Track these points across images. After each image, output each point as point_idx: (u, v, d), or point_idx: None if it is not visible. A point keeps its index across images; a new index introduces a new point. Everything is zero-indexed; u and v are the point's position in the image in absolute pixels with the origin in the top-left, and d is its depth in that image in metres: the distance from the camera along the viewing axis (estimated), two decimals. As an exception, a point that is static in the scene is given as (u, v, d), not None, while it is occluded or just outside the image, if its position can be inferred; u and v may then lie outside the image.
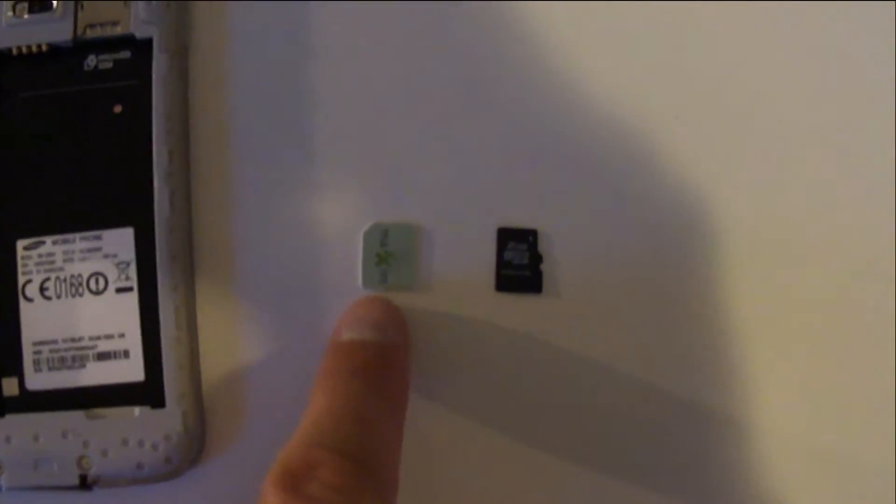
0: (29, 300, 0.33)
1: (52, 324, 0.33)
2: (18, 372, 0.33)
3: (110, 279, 0.33)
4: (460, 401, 0.34)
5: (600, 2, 0.35)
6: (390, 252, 0.34)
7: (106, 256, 0.33)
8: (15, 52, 0.33)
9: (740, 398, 0.34)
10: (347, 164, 0.34)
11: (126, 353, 0.33)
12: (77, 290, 0.33)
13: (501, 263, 0.34)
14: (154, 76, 0.33)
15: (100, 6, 0.34)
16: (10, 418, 0.32)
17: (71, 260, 0.33)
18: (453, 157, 0.34)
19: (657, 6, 0.35)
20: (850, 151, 0.35)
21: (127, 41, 0.34)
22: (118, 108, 0.34)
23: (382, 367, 0.31)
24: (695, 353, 0.34)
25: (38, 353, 0.33)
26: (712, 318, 0.34)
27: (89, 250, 0.33)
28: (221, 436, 0.33)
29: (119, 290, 0.33)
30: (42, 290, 0.33)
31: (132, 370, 0.33)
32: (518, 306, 0.34)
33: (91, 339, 0.33)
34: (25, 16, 0.34)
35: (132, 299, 0.33)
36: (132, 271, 0.33)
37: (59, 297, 0.33)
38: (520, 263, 0.34)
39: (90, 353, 0.33)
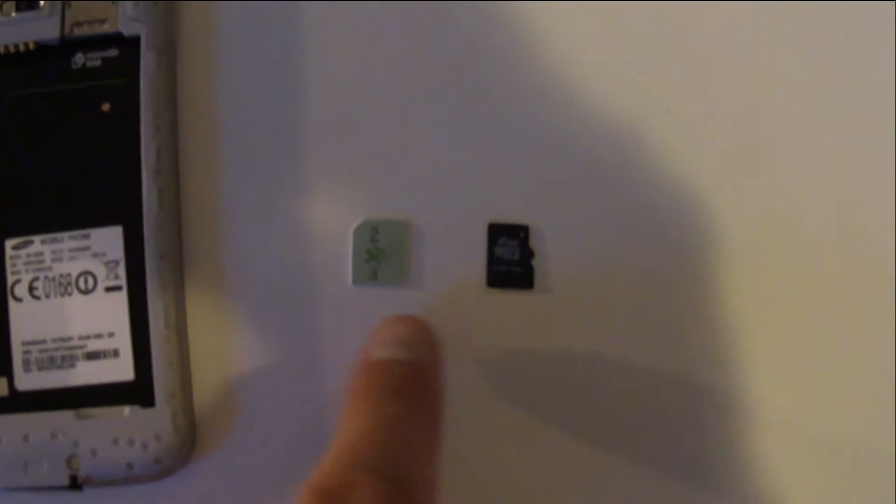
0: (18, 300, 0.33)
1: (42, 323, 0.33)
2: (8, 372, 0.33)
3: (99, 278, 0.33)
4: (452, 396, 0.33)
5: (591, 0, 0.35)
6: (380, 248, 0.34)
7: (95, 255, 0.33)
8: (2, 51, 0.33)
9: (734, 392, 0.34)
10: (337, 160, 0.34)
11: (115, 353, 0.32)
12: (66, 289, 0.33)
13: (492, 259, 0.34)
14: (142, 74, 0.33)
15: (87, 4, 0.33)
16: (0, 419, 0.32)
17: (60, 259, 0.33)
18: (443, 153, 0.34)
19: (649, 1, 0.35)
20: (849, 151, 0.35)
21: (114, 39, 0.34)
22: (106, 107, 0.33)
23: (415, 386, 0.30)
24: (687, 348, 0.34)
25: (27, 353, 0.33)
26: (705, 313, 0.34)
27: (78, 249, 0.33)
28: (212, 435, 0.33)
29: (108, 290, 0.33)
30: (31, 289, 0.33)
31: (122, 369, 0.32)
32: (509, 302, 0.34)
33: (80, 338, 0.33)
34: (12, 14, 0.33)
35: (121, 298, 0.33)
36: (121, 270, 0.33)
37: (47, 296, 0.33)
38: (511, 259, 0.34)
39: (79, 352, 0.33)
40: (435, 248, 0.34)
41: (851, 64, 0.35)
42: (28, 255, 0.33)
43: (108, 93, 0.33)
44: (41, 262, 0.33)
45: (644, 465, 0.34)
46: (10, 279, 0.33)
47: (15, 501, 0.32)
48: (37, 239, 0.33)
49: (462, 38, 0.35)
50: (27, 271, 0.33)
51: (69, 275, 0.33)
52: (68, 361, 0.32)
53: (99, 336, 0.33)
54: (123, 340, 0.32)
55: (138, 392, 0.32)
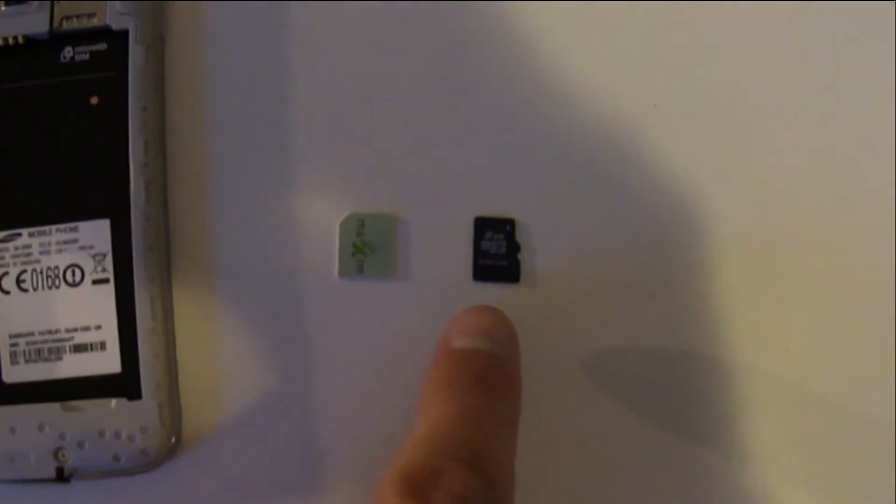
0: (5, 293, 0.33)
1: (29, 316, 0.33)
2: (-5, 364, 0.33)
3: (87, 271, 0.33)
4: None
5: (578, -8, 0.35)
6: (367, 242, 0.34)
7: (82, 248, 0.33)
8: (-9, 44, 0.34)
9: (723, 387, 0.34)
10: (324, 153, 0.34)
11: (103, 345, 0.33)
12: (54, 282, 0.33)
13: (479, 253, 0.34)
14: (130, 68, 0.33)
15: (76, -1, 0.34)
16: (-13, 411, 0.32)
17: (47, 252, 0.33)
18: (430, 147, 0.34)
19: (635, -5, 0.35)
20: (841, 147, 0.35)
21: (103, 33, 0.34)
22: (95, 100, 0.33)
23: (497, 378, 0.30)
24: (675, 341, 0.34)
25: (14, 345, 0.33)
26: (692, 305, 0.34)
27: (66, 242, 0.33)
28: (198, 427, 0.33)
29: (95, 282, 0.33)
30: (19, 282, 0.33)
31: (109, 362, 0.32)
32: (496, 295, 0.34)
33: (68, 331, 0.33)
34: (2, 8, 0.34)
35: (109, 291, 0.33)
36: (108, 263, 0.33)
37: (35, 289, 0.33)
38: (497, 253, 0.34)
39: (67, 345, 0.33)
40: (421, 242, 0.34)
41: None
42: (16, 248, 0.33)
43: (97, 86, 0.33)
44: (29, 254, 0.33)
45: (631, 457, 0.34)
46: (-2, 272, 0.33)
47: (1, 494, 0.32)
48: (25, 232, 0.33)
49: (449, 34, 0.35)
50: (15, 264, 0.33)
51: (57, 267, 0.33)
52: (55, 354, 0.33)
53: (86, 329, 0.33)
54: (110, 333, 0.33)
55: (125, 384, 0.32)
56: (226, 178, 0.34)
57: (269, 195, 0.34)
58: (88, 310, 0.33)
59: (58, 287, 0.33)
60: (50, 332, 0.33)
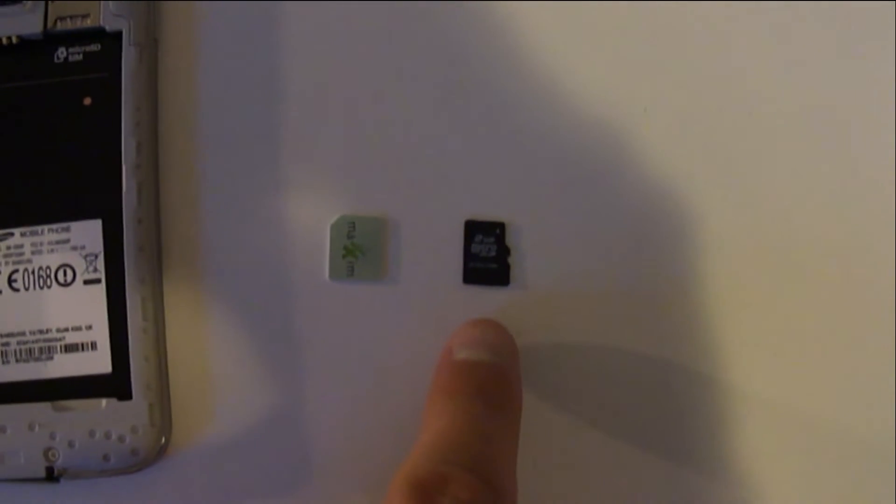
0: (-3, 292, 0.33)
1: (21, 316, 0.33)
2: (-14, 364, 0.33)
3: (78, 271, 0.33)
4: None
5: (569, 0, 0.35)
6: (357, 245, 0.34)
7: (74, 248, 0.33)
8: (-15, 44, 0.34)
9: (714, 390, 0.34)
10: (315, 156, 0.34)
11: (93, 345, 0.33)
12: (45, 282, 0.33)
13: (469, 256, 0.34)
14: (123, 69, 0.33)
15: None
16: (-22, 410, 0.32)
17: (39, 252, 0.33)
18: (421, 150, 0.34)
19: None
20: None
21: (97, 34, 0.34)
22: (88, 101, 0.34)
23: (499, 388, 0.31)
24: (665, 344, 0.34)
25: (5, 344, 0.33)
26: (683, 308, 0.34)
27: (57, 242, 0.33)
28: (188, 428, 0.33)
29: (87, 282, 0.33)
30: (10, 281, 0.33)
31: (99, 362, 0.33)
32: (486, 299, 0.34)
33: (59, 330, 0.33)
34: (-4, 8, 0.34)
35: (100, 291, 0.33)
36: (100, 263, 0.33)
37: (27, 288, 0.33)
38: (487, 256, 0.34)
39: (58, 344, 0.33)
40: (411, 245, 0.34)
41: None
42: (8, 248, 0.33)
43: (90, 87, 0.34)
44: (21, 254, 0.33)
45: (620, 459, 0.34)
46: (-10, 271, 0.33)
47: (-8, 492, 0.33)
48: (17, 231, 0.33)
49: (440, 37, 0.35)
50: (7, 264, 0.33)
51: (48, 267, 0.33)
52: (46, 353, 0.33)
53: (77, 329, 0.33)
54: (101, 333, 0.33)
55: (115, 384, 0.32)
56: (218, 179, 0.34)
57: (260, 197, 0.34)
58: (80, 310, 0.33)
59: (49, 287, 0.33)
60: (41, 331, 0.33)
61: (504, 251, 0.34)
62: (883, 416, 0.34)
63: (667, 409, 0.34)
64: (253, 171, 0.34)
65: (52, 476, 0.32)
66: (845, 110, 0.35)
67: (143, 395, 0.32)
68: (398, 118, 0.34)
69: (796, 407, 0.34)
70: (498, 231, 0.34)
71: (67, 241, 0.33)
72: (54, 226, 0.33)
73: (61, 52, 0.34)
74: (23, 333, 0.33)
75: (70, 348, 0.33)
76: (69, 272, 0.33)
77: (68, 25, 0.34)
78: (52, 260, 0.33)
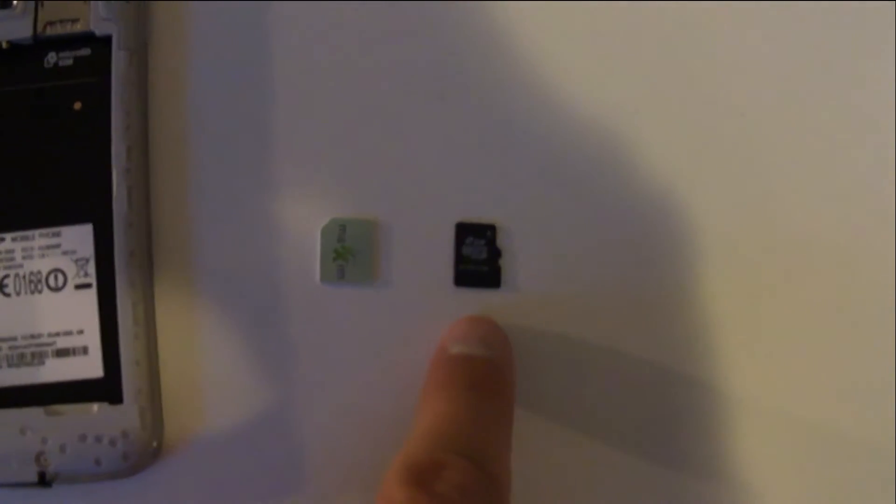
0: (-12, 297, 0.33)
1: (12, 320, 0.33)
2: (-22, 369, 0.33)
3: (69, 276, 0.33)
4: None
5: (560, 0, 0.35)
6: (348, 247, 0.34)
7: (65, 253, 0.33)
8: (-25, 49, 0.34)
9: (708, 391, 0.34)
10: (305, 159, 0.34)
11: (85, 350, 0.33)
12: (36, 286, 0.33)
13: (460, 258, 0.34)
14: (113, 73, 0.33)
15: (60, 4, 0.34)
16: (-30, 416, 0.32)
17: (30, 257, 0.33)
18: (411, 152, 0.34)
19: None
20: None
21: (87, 38, 0.34)
22: (78, 105, 0.34)
23: (492, 381, 0.32)
24: (658, 346, 0.34)
25: (-3, 349, 0.33)
26: (674, 312, 0.34)
27: (48, 247, 0.33)
28: (179, 432, 0.33)
29: (78, 287, 0.33)
30: (1, 287, 0.33)
31: (91, 367, 0.33)
32: (477, 301, 0.34)
33: (50, 335, 0.33)
34: (-15, 13, 0.34)
35: (91, 296, 0.33)
36: (91, 268, 0.33)
37: (18, 293, 0.33)
38: (478, 258, 0.34)
39: (49, 349, 0.33)
40: (402, 248, 0.34)
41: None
42: (-1, 253, 0.33)
43: (80, 92, 0.34)
44: (12, 259, 0.33)
45: (613, 462, 0.34)
46: (-19, 276, 0.33)
47: (-16, 498, 0.33)
48: (8, 236, 0.33)
49: (431, 38, 0.35)
50: (-2, 268, 0.33)
51: (39, 272, 0.33)
52: (38, 358, 0.33)
53: (68, 333, 0.33)
54: (93, 338, 0.33)
55: (107, 389, 0.32)
56: (208, 183, 0.34)
57: (251, 200, 0.34)
58: (71, 314, 0.33)
59: (40, 292, 0.33)
60: (32, 336, 0.33)
61: (495, 253, 0.34)
62: (882, 420, 0.34)
63: (660, 412, 0.34)
64: (243, 175, 0.34)
65: (44, 481, 0.32)
66: (845, 110, 0.35)
67: (134, 400, 0.32)
68: (388, 121, 0.34)
69: (795, 409, 0.34)
70: (489, 233, 0.34)
71: (58, 245, 0.33)
72: (45, 230, 0.33)
73: (51, 57, 0.34)
74: (14, 338, 0.33)
75: (61, 353, 0.33)
76: (60, 277, 0.33)
77: (58, 30, 0.34)
78: (43, 265, 0.33)
